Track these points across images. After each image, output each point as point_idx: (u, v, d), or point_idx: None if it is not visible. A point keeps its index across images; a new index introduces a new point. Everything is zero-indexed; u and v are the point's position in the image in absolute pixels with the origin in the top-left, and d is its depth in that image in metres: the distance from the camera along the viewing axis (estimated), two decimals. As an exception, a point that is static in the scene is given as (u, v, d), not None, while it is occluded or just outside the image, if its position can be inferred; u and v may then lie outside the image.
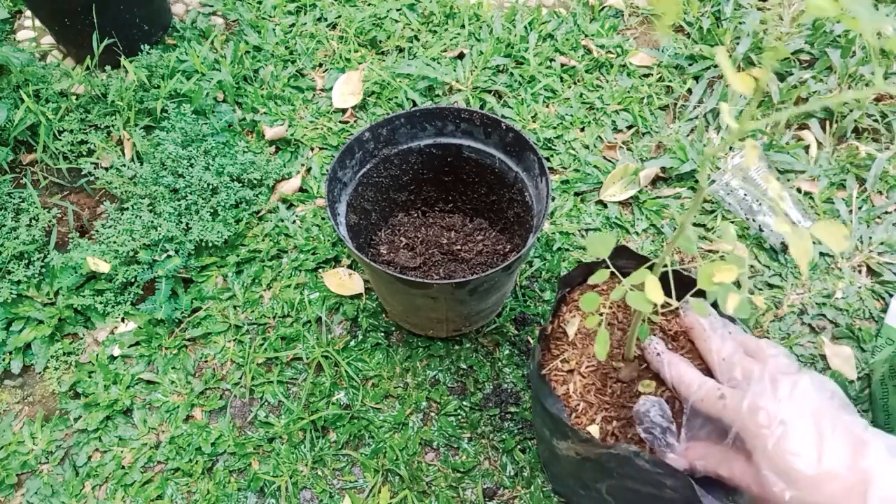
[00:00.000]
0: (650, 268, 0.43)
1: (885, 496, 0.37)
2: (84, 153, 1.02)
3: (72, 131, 1.01)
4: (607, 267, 0.48)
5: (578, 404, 0.56)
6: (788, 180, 0.97)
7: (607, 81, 1.10)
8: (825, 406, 0.42)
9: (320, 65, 1.15)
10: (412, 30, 1.18)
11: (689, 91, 1.09)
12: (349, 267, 0.92)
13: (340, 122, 1.07)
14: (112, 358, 0.86)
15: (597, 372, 0.56)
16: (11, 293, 0.87)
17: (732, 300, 0.38)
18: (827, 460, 0.39)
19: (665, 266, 0.44)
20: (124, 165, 0.97)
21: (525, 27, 1.16)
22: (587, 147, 1.03)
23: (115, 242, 0.89)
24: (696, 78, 1.09)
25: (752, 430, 0.42)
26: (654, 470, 0.48)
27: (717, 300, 0.39)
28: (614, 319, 0.59)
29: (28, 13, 1.23)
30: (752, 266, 0.90)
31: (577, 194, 0.98)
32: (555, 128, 1.05)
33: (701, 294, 0.41)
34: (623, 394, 0.55)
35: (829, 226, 0.31)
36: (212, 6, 1.22)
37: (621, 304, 0.60)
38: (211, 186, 0.94)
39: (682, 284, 0.50)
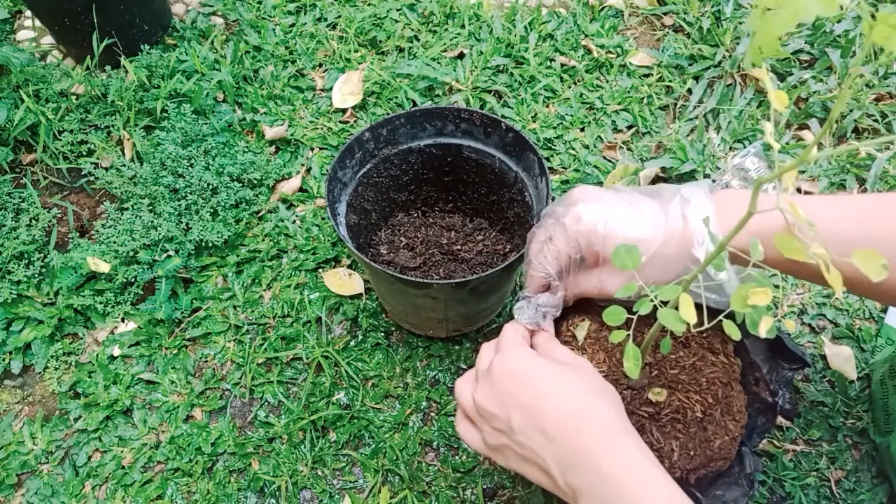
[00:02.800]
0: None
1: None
2: (84, 153, 1.02)
3: (72, 131, 1.01)
4: (635, 280, 0.46)
5: None
6: (788, 180, 0.97)
7: (607, 81, 1.10)
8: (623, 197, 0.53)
9: (320, 65, 1.15)
10: (412, 30, 1.18)
11: (689, 91, 1.09)
12: (349, 267, 0.92)
13: (340, 122, 1.07)
14: (112, 358, 0.86)
15: (607, 378, 0.55)
16: (11, 293, 0.87)
17: (766, 323, 0.37)
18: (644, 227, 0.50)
19: (696, 282, 0.42)
20: (124, 165, 0.97)
21: (525, 27, 1.16)
22: (587, 147, 1.03)
23: (115, 242, 0.89)
24: (696, 78, 1.09)
25: (585, 241, 0.52)
26: None
27: (747, 322, 0.38)
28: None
29: (28, 13, 1.23)
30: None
31: (577, 194, 0.98)
32: (555, 128, 1.05)
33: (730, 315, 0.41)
34: (633, 401, 0.54)
35: (868, 255, 0.31)
36: (212, 6, 1.22)
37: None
38: (211, 186, 0.94)
39: None
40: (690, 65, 1.11)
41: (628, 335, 0.47)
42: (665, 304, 0.42)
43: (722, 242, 0.39)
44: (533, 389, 0.46)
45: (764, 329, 0.37)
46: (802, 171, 0.98)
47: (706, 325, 0.39)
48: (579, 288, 0.56)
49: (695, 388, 0.55)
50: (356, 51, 1.16)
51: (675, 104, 1.08)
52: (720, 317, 0.41)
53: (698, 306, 0.40)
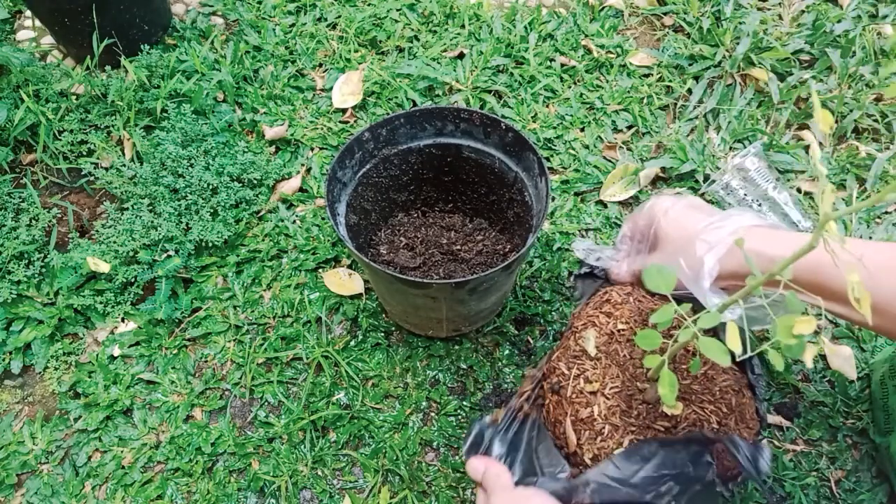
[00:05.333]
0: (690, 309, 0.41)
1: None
2: (84, 153, 1.02)
3: (72, 131, 1.01)
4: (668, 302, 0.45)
5: (604, 427, 0.54)
6: (788, 180, 0.97)
7: (607, 81, 1.10)
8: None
9: (320, 65, 1.15)
10: (412, 30, 1.18)
11: (689, 91, 1.09)
12: (349, 267, 0.92)
13: (340, 122, 1.07)
14: (112, 358, 0.86)
15: (621, 393, 0.55)
16: (11, 293, 0.87)
17: (810, 352, 0.37)
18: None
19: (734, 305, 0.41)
20: (124, 165, 0.97)
21: (525, 27, 1.16)
22: (587, 147, 1.03)
23: (115, 242, 0.89)
24: (696, 78, 1.09)
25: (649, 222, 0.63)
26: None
27: (784, 349, 0.37)
28: (632, 335, 0.58)
29: (28, 13, 1.23)
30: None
31: (577, 194, 0.98)
32: (555, 128, 1.05)
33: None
34: (649, 415, 0.53)
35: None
36: (212, 6, 1.22)
37: (638, 319, 0.58)
38: (211, 186, 0.94)
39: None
40: (690, 65, 1.11)
41: (664, 361, 0.46)
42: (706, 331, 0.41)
43: (772, 272, 0.38)
44: None
45: (809, 357, 0.37)
46: (803, 172, 0.98)
47: (749, 354, 0.38)
48: (634, 265, 0.66)
49: (708, 398, 0.54)
50: (356, 51, 1.16)
51: (675, 104, 1.08)
52: (764, 345, 0.40)
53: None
